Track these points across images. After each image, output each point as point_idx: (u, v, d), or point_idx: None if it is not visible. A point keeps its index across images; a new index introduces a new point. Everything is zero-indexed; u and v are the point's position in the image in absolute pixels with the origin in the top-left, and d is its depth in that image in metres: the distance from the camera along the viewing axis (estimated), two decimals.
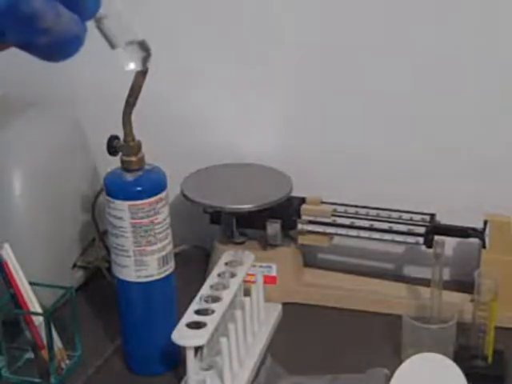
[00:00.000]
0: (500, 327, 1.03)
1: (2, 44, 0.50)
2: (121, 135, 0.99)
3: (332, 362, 1.06)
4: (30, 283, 1.03)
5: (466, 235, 1.12)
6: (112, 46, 0.62)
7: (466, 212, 1.13)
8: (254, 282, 1.11)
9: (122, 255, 1.01)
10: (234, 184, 1.22)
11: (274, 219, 1.17)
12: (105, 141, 1.00)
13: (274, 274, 1.18)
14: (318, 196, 1.19)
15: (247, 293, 1.09)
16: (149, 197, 0.99)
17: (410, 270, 1.26)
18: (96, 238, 1.22)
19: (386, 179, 1.23)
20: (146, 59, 0.65)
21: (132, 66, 0.64)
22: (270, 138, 1.26)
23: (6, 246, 1.02)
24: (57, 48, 0.51)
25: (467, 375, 0.95)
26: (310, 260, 1.24)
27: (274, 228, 1.17)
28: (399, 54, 1.17)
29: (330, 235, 1.17)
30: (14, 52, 0.51)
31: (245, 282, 1.10)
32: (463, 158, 1.19)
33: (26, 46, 0.51)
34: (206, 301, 1.02)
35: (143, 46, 0.64)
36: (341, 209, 1.17)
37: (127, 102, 0.97)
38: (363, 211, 1.16)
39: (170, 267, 1.03)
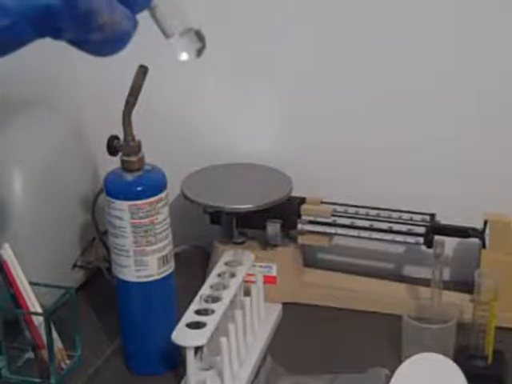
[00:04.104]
0: (500, 327, 1.03)
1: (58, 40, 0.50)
2: (121, 135, 0.99)
3: (332, 362, 1.06)
4: (30, 283, 1.03)
5: (466, 235, 1.12)
6: (166, 35, 0.60)
7: (466, 212, 1.13)
8: (254, 282, 1.11)
9: (122, 255, 1.01)
10: (234, 184, 1.22)
11: (274, 219, 1.17)
12: (105, 141, 1.00)
13: (274, 274, 1.18)
14: (318, 196, 1.19)
15: (247, 293, 1.09)
16: (149, 197, 0.99)
17: (410, 270, 1.26)
18: (96, 237, 1.22)
19: (386, 179, 1.23)
20: (200, 50, 0.62)
21: (185, 57, 0.61)
22: (270, 138, 1.26)
23: (6, 246, 1.02)
24: (108, 44, 0.52)
25: (467, 375, 0.95)
26: (309, 260, 1.24)
27: (273, 228, 1.17)
28: (399, 54, 1.17)
29: (330, 235, 1.17)
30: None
31: (245, 282, 1.10)
32: (463, 158, 1.19)
33: (79, 43, 0.51)
34: (206, 301, 1.02)
35: (199, 36, 0.62)
36: (341, 209, 1.17)
37: (127, 102, 0.97)
38: (363, 211, 1.16)
39: (170, 267, 1.03)
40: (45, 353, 1.03)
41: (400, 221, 1.15)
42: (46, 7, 0.47)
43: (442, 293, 1.05)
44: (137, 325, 1.05)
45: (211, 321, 0.99)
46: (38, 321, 1.02)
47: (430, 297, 1.06)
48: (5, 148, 1.11)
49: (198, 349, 1.00)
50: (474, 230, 1.12)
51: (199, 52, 0.62)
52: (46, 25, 0.48)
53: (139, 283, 1.01)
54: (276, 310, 1.15)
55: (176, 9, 0.60)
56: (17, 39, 0.49)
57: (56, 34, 0.49)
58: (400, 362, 0.98)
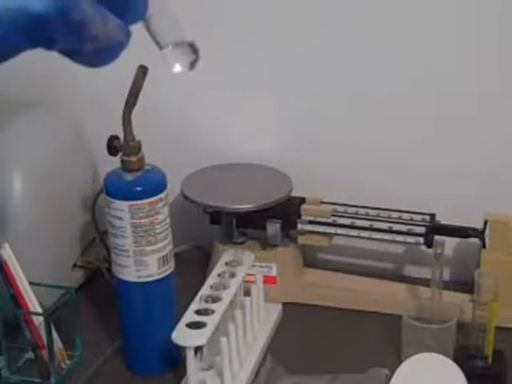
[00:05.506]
0: (500, 327, 1.03)
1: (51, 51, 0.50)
2: (121, 135, 0.99)
3: (332, 362, 1.06)
4: (30, 283, 1.03)
5: (466, 235, 1.12)
6: (160, 46, 0.60)
7: (466, 212, 1.13)
8: (253, 282, 1.11)
9: (122, 255, 1.01)
10: (234, 184, 1.22)
11: (274, 219, 1.17)
12: (105, 141, 1.00)
13: (274, 274, 1.18)
14: (318, 196, 1.19)
15: (247, 293, 1.09)
16: (149, 197, 0.99)
17: (410, 270, 1.26)
18: (96, 237, 1.22)
19: (386, 179, 1.23)
20: (194, 62, 0.62)
21: (178, 69, 0.62)
22: (270, 138, 1.26)
23: (6, 246, 1.02)
24: (100, 54, 0.52)
25: (467, 375, 0.95)
26: (309, 260, 1.24)
27: (274, 228, 1.17)
28: (399, 53, 1.17)
29: (330, 235, 1.17)
30: None
31: (245, 282, 1.10)
32: (463, 158, 1.19)
33: (71, 53, 0.51)
34: (206, 301, 1.02)
35: (193, 48, 0.62)
36: (341, 209, 1.17)
37: (127, 101, 0.97)
38: (363, 211, 1.16)
39: (170, 267, 1.03)
40: (45, 353, 1.03)
41: (400, 221, 1.14)
42: (38, 17, 0.47)
43: (441, 293, 1.05)
44: (137, 325, 1.05)
45: (211, 321, 0.99)
46: (38, 321, 1.02)
47: (430, 297, 1.06)
48: (5, 148, 1.11)
49: (198, 349, 1.00)
50: (473, 230, 1.12)
51: (192, 64, 0.62)
52: (38, 35, 0.48)
53: (139, 283, 1.01)
54: (276, 310, 1.15)
55: (170, 21, 0.60)
56: (8, 49, 0.48)
57: (48, 45, 0.49)
58: (400, 361, 0.98)
